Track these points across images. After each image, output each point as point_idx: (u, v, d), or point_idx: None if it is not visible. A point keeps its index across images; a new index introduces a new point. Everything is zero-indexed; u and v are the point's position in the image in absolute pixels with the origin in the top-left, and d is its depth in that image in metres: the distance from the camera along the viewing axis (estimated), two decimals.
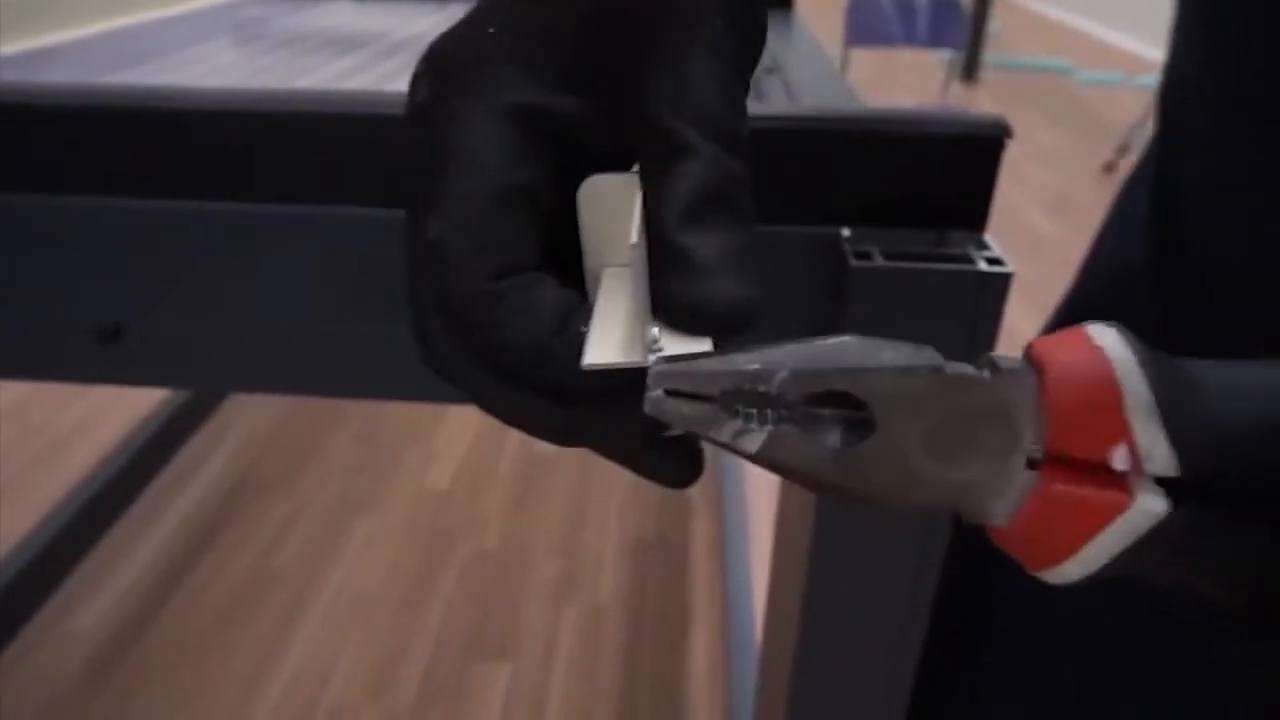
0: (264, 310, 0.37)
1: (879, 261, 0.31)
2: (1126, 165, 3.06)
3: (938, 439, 0.18)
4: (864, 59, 3.32)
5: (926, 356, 0.18)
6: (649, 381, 0.18)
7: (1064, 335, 0.18)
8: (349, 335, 0.37)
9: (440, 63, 0.23)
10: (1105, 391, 0.17)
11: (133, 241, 0.36)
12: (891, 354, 0.18)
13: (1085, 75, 4.48)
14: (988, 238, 0.33)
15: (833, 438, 0.18)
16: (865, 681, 0.41)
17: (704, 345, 0.19)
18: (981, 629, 0.47)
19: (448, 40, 0.23)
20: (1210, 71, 0.36)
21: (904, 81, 4.09)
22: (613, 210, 0.22)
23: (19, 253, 0.36)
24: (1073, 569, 0.18)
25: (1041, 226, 2.56)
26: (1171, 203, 0.39)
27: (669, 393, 0.18)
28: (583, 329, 0.20)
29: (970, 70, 4.22)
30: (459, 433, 1.61)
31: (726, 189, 0.21)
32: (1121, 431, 0.17)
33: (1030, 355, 0.18)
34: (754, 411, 0.18)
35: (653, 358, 0.19)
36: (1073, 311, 0.46)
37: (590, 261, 0.23)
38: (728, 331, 0.20)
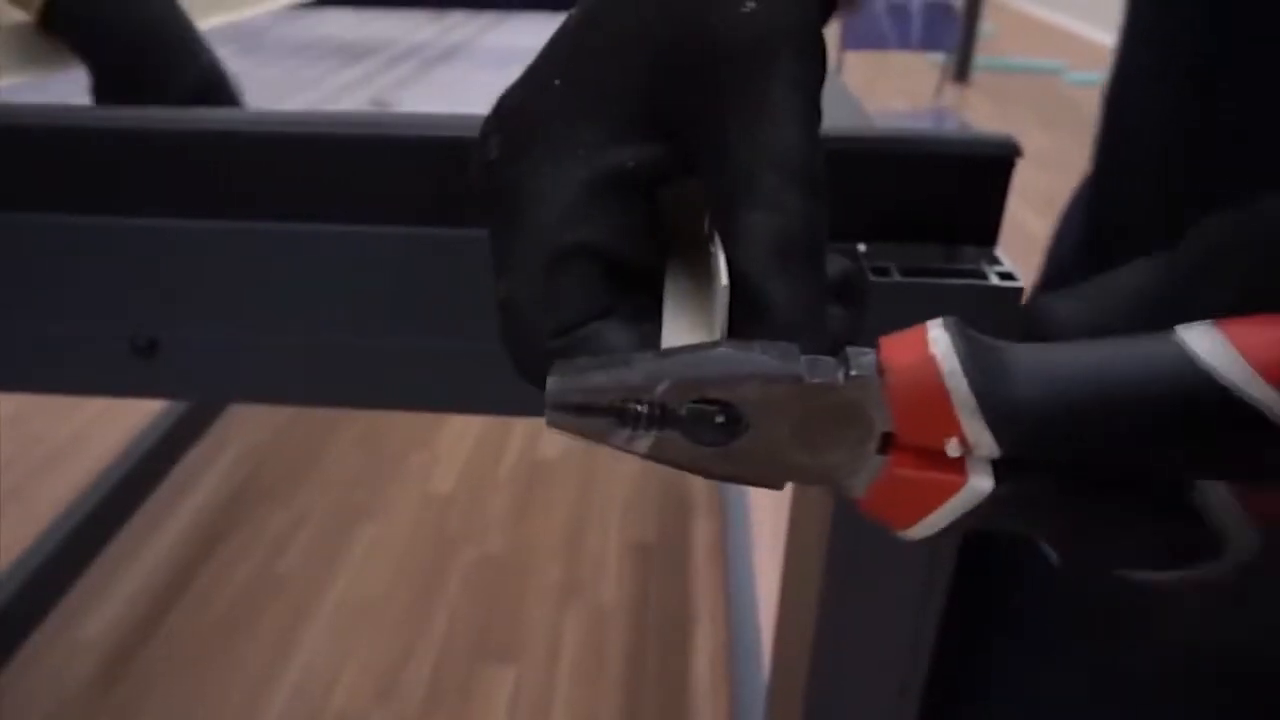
0: (292, 325, 0.37)
1: (896, 277, 0.32)
2: None
3: (803, 432, 0.21)
4: (857, 62, 3.33)
5: (790, 364, 0.21)
6: (546, 399, 0.21)
7: (906, 337, 0.21)
8: (375, 349, 0.38)
9: (507, 122, 0.23)
10: (935, 392, 0.20)
11: (165, 259, 0.36)
12: (759, 361, 0.21)
13: (1075, 76, 4.51)
14: (999, 252, 0.34)
15: (711, 436, 0.21)
16: (881, 681, 0.42)
17: None
18: (994, 625, 0.48)
19: (513, 98, 0.23)
20: (1157, 52, 0.37)
21: (896, 84, 4.10)
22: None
23: (55, 271, 0.37)
24: (919, 531, 0.22)
25: (1034, 226, 2.58)
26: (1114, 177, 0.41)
27: (564, 407, 0.21)
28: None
29: (962, 72, 4.24)
30: (461, 438, 1.62)
31: (808, 237, 0.21)
32: (953, 425, 0.20)
33: (878, 355, 0.21)
34: (642, 416, 0.21)
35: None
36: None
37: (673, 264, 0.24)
38: None
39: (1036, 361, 0.20)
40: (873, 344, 0.21)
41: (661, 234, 0.25)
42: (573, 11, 0.24)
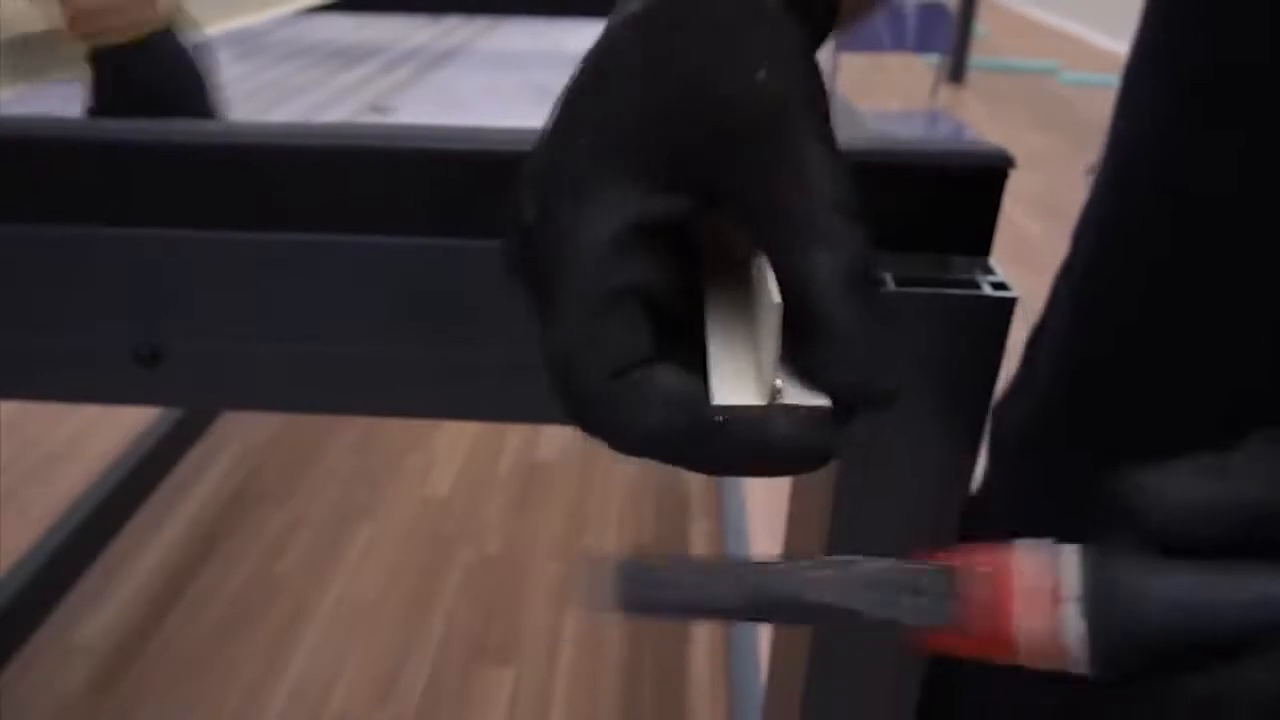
0: (293, 334, 0.38)
1: (890, 287, 0.33)
2: None
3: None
4: (852, 64, 3.34)
5: (890, 603, 0.23)
6: (621, 602, 0.23)
7: (1038, 615, 0.21)
8: (374, 357, 0.38)
9: (541, 182, 0.24)
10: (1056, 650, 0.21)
11: (168, 270, 0.37)
12: (862, 600, 0.24)
13: (1070, 76, 4.52)
14: (992, 262, 0.35)
15: None
16: (879, 679, 0.42)
17: (822, 400, 0.22)
18: None
19: (541, 160, 0.24)
20: (1163, 50, 0.38)
21: (891, 86, 4.11)
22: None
23: (61, 281, 0.37)
24: None
25: (1028, 228, 2.59)
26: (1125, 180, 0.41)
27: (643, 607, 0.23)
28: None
29: (957, 73, 4.25)
30: (458, 439, 1.62)
31: (865, 265, 0.22)
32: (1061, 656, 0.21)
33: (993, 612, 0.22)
34: None
35: (779, 402, 0.22)
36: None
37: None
38: (871, 411, 0.22)
39: (1164, 600, 0.20)
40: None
41: (698, 262, 0.26)
42: (580, 73, 0.25)
